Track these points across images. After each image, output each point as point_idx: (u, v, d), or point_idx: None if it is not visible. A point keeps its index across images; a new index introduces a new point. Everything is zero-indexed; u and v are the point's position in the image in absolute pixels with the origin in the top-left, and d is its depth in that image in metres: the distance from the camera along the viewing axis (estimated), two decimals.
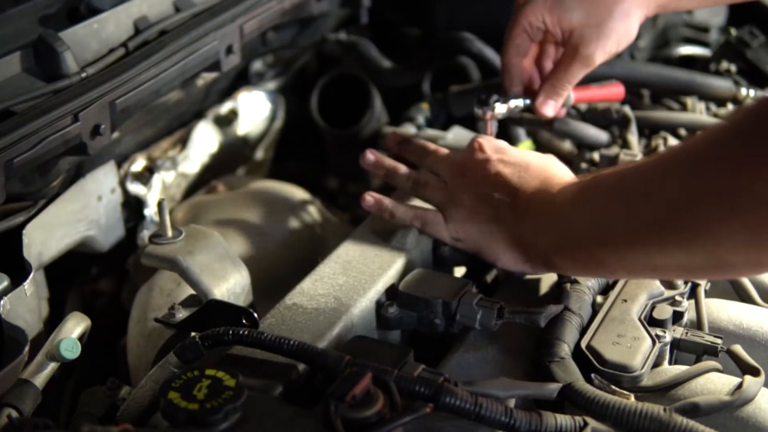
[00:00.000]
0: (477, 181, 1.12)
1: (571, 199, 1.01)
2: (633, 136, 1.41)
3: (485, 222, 1.10)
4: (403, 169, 1.22)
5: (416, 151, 1.24)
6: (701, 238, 0.81)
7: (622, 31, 1.25)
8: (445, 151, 1.21)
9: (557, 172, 1.10)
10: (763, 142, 0.73)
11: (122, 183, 1.41)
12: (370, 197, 1.19)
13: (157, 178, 1.47)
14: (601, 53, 1.26)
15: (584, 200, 0.99)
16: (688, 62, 1.77)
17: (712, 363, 1.01)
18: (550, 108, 1.31)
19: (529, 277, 1.18)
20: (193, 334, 0.97)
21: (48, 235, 1.25)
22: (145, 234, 1.43)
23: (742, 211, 0.75)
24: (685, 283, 1.11)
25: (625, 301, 1.07)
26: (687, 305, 1.08)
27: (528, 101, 1.33)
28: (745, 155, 0.75)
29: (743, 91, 1.53)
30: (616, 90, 1.43)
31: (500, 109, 1.32)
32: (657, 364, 1.02)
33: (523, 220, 1.06)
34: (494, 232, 1.09)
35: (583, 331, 1.04)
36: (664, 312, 1.06)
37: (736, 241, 0.78)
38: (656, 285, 1.09)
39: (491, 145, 1.15)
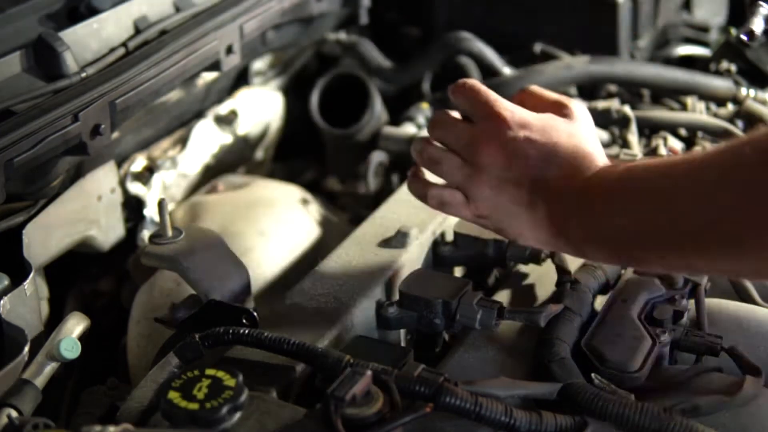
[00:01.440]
0: (502, 159, 1.00)
1: (609, 192, 0.94)
2: (633, 136, 1.41)
3: (511, 203, 1.01)
4: (427, 148, 1.07)
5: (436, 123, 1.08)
6: (752, 248, 0.79)
7: None
8: (454, 117, 1.06)
9: (587, 150, 0.99)
10: None
11: (122, 183, 1.41)
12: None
13: (157, 178, 1.47)
14: None
15: (624, 195, 0.93)
16: (688, 62, 1.77)
17: (712, 363, 1.01)
18: None
19: (529, 277, 1.19)
20: (193, 334, 0.97)
21: (48, 235, 1.25)
22: (145, 234, 1.42)
23: None
24: (686, 283, 1.11)
25: (625, 301, 1.07)
26: (687, 305, 1.08)
27: None
28: None
29: (743, 91, 1.53)
30: None
31: None
32: (657, 364, 1.02)
33: (554, 204, 0.98)
34: (522, 213, 1.01)
35: (583, 330, 1.04)
36: (664, 312, 1.06)
37: None
38: (656, 285, 1.09)
39: (515, 120, 1.01)
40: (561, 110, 1.04)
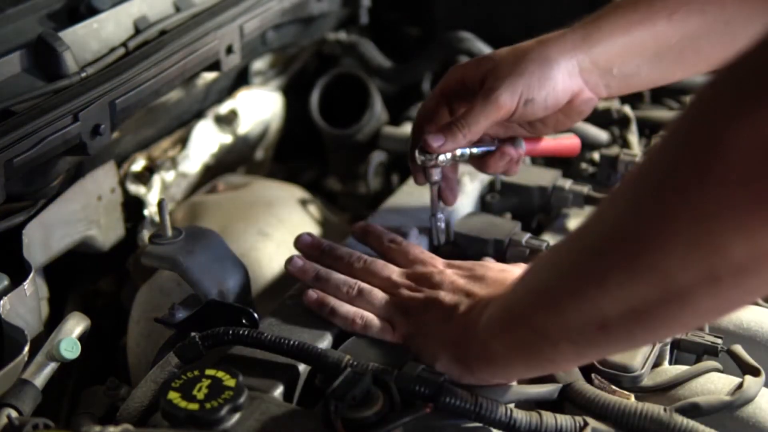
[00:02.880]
0: (431, 292, 1.01)
1: (518, 280, 0.89)
2: (633, 136, 1.41)
3: (434, 323, 0.98)
4: (335, 277, 1.08)
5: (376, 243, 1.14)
6: (645, 258, 0.70)
7: (536, 74, 1.07)
8: (403, 249, 1.11)
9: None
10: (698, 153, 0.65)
11: (122, 183, 1.41)
12: (313, 293, 1.06)
13: (157, 178, 1.47)
14: (508, 92, 1.07)
15: (527, 272, 0.88)
16: None
17: (712, 363, 1.01)
18: (436, 140, 1.10)
19: None
20: (193, 334, 0.97)
21: (48, 235, 1.25)
22: (145, 234, 1.42)
23: (685, 218, 0.66)
24: None
25: None
26: None
27: (476, 150, 1.14)
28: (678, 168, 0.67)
29: None
30: (571, 142, 1.28)
31: (443, 157, 1.11)
32: (657, 364, 1.02)
33: (470, 323, 0.93)
34: (440, 329, 0.97)
35: None
36: None
37: (684, 252, 0.67)
38: None
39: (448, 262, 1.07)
40: None
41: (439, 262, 1.08)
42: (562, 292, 0.78)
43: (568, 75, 1.09)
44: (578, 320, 0.77)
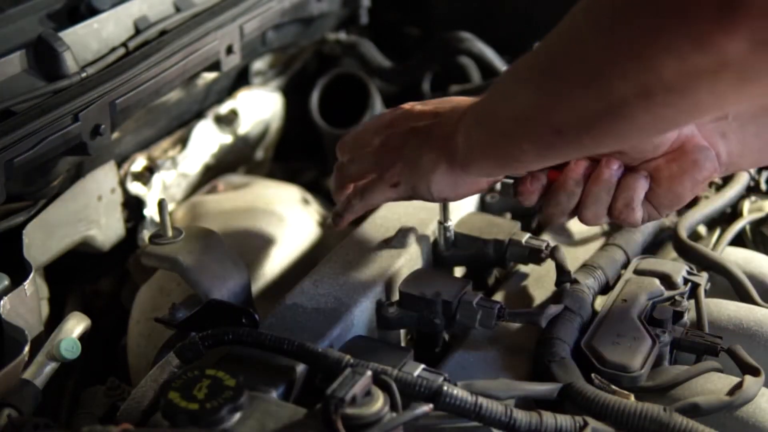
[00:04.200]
0: (399, 128, 1.09)
1: (483, 98, 0.99)
2: None
3: (412, 149, 1.05)
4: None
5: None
6: (590, 71, 0.79)
7: None
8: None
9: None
10: None
11: (122, 183, 1.41)
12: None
13: (157, 178, 1.47)
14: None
15: (495, 90, 0.97)
16: None
17: (712, 363, 1.01)
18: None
19: (529, 277, 1.19)
20: (193, 334, 0.97)
21: (48, 235, 1.25)
22: (145, 234, 1.43)
23: (625, 36, 0.74)
24: (685, 283, 1.11)
25: (625, 301, 1.07)
26: (687, 305, 1.08)
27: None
28: None
29: None
30: None
31: None
32: (657, 364, 1.02)
33: (441, 128, 1.04)
34: (422, 156, 1.04)
35: (583, 331, 1.04)
36: (664, 312, 1.06)
37: (622, 68, 0.76)
38: (656, 285, 1.10)
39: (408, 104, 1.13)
40: None
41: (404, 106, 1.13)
42: (522, 100, 0.90)
43: None
44: (536, 125, 0.88)
